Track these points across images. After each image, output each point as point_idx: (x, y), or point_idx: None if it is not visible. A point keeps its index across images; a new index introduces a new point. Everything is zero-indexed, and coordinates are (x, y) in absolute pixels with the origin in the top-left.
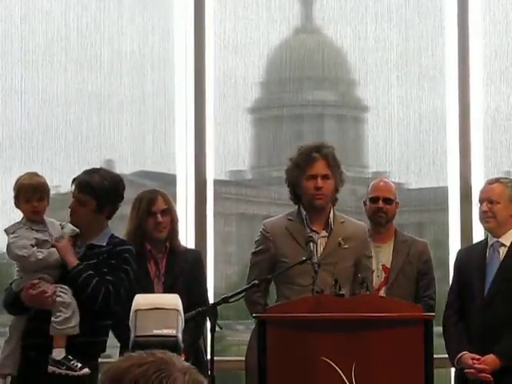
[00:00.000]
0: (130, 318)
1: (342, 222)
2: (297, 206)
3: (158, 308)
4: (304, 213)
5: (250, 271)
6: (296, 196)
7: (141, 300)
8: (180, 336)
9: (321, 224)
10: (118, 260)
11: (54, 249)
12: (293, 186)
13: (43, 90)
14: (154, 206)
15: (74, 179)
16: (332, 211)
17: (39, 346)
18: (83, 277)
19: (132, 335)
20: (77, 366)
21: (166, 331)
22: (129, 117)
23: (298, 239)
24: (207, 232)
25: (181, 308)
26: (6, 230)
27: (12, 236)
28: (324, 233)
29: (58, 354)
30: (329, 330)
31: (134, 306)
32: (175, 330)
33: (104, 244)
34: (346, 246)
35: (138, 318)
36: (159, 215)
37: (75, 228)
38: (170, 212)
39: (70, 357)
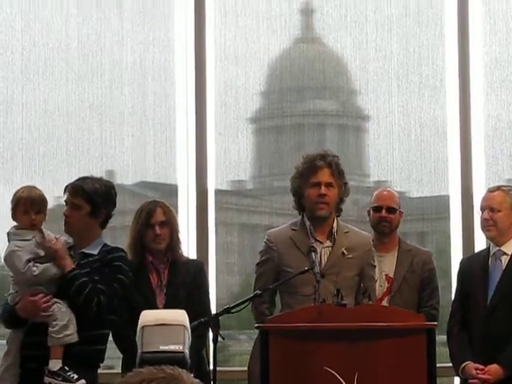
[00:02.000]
0: (137, 333)
1: (346, 232)
2: (300, 216)
3: (164, 324)
4: (308, 223)
5: (256, 282)
6: (300, 205)
7: (147, 316)
8: (187, 352)
9: (324, 234)
10: (110, 269)
11: (50, 264)
12: (297, 195)
13: (44, 101)
14: (153, 217)
15: (66, 187)
16: (336, 221)
17: (38, 357)
18: (78, 283)
19: (139, 351)
20: (73, 377)
21: (172, 347)
22: (130, 127)
23: (301, 249)
24: (209, 242)
25: (187, 324)
26: (8, 234)
27: (14, 244)
28: (328, 243)
29: (55, 364)
30: (331, 340)
31: (140, 322)
32: (182, 345)
33: (96, 253)
34: (350, 256)
35: (145, 334)
36: (157, 227)
37: (68, 240)
38: (169, 224)
39: (66, 368)
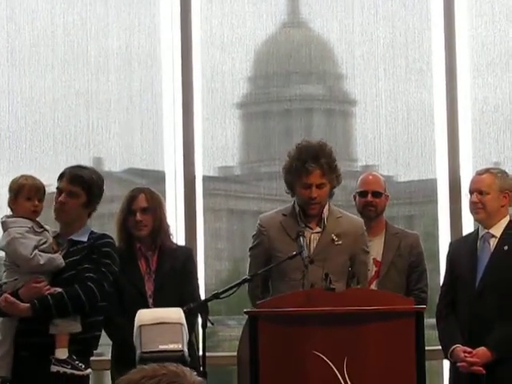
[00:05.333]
0: (134, 333)
1: (338, 218)
2: (292, 202)
3: (162, 323)
4: (298, 209)
5: (249, 265)
6: (292, 190)
7: (144, 315)
8: (186, 350)
9: (315, 220)
10: (99, 255)
11: (56, 254)
12: (289, 184)
13: (30, 88)
14: (134, 204)
15: (62, 174)
16: (328, 207)
17: (32, 345)
18: (64, 299)
19: (138, 351)
20: (81, 365)
21: (171, 346)
22: (116, 114)
23: (291, 234)
24: (197, 228)
25: (184, 321)
26: (3, 222)
27: (15, 231)
28: (318, 229)
29: (62, 353)
30: (320, 324)
31: (137, 322)
32: (181, 344)
33: (85, 240)
34: (340, 242)
35: (143, 334)
36: (139, 213)
37: (55, 229)
38: (152, 210)
39: (73, 356)
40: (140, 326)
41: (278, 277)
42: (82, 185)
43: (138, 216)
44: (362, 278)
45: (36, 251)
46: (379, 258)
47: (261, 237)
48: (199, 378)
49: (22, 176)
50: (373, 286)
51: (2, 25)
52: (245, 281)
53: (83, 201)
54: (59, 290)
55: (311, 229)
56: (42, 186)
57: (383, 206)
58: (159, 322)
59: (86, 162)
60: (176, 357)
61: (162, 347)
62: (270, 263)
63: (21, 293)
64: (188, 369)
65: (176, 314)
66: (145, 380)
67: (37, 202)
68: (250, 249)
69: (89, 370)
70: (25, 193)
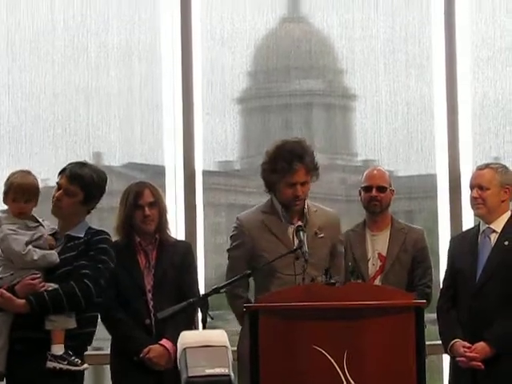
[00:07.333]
0: (179, 355)
1: (315, 211)
2: (270, 199)
3: (207, 345)
4: (279, 206)
5: (230, 266)
6: (270, 187)
7: (188, 337)
8: (232, 374)
9: (296, 215)
10: (96, 251)
11: (52, 251)
12: (268, 183)
13: (30, 83)
14: (141, 199)
15: (63, 170)
16: (306, 202)
17: (26, 339)
18: (60, 296)
19: (184, 375)
20: (78, 361)
21: (218, 370)
22: (116, 109)
23: (275, 233)
24: (197, 223)
25: (228, 344)
26: None
27: (7, 228)
28: (300, 223)
29: (58, 349)
30: (320, 319)
31: (181, 344)
32: (227, 368)
33: (82, 235)
34: (322, 235)
35: (188, 357)
36: (147, 208)
37: (53, 227)
38: (157, 204)
39: (70, 352)
40: (185, 348)
41: (265, 274)
42: (81, 184)
43: (147, 211)
44: (340, 269)
45: (30, 247)
46: (384, 253)
47: (242, 237)
48: None
49: (16, 173)
50: (377, 281)
51: (2, 19)
52: (245, 275)
53: (80, 199)
54: (55, 286)
55: (293, 224)
56: (31, 186)
57: (388, 201)
58: (204, 344)
59: (86, 156)
60: (223, 381)
61: (208, 371)
62: (252, 263)
63: (17, 289)
64: None
65: (221, 336)
66: None
67: (23, 204)
68: (230, 250)
69: (85, 365)
70: (11, 194)
